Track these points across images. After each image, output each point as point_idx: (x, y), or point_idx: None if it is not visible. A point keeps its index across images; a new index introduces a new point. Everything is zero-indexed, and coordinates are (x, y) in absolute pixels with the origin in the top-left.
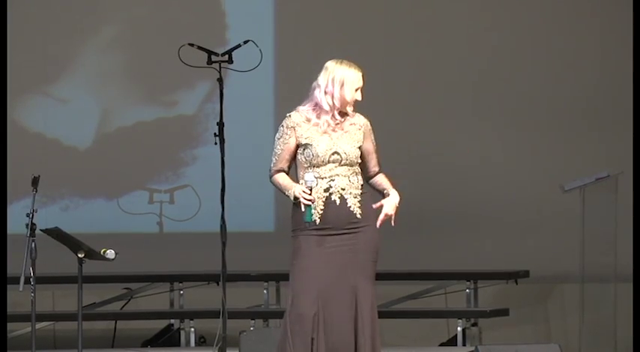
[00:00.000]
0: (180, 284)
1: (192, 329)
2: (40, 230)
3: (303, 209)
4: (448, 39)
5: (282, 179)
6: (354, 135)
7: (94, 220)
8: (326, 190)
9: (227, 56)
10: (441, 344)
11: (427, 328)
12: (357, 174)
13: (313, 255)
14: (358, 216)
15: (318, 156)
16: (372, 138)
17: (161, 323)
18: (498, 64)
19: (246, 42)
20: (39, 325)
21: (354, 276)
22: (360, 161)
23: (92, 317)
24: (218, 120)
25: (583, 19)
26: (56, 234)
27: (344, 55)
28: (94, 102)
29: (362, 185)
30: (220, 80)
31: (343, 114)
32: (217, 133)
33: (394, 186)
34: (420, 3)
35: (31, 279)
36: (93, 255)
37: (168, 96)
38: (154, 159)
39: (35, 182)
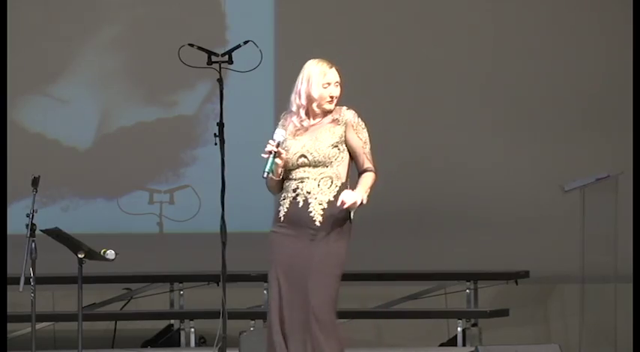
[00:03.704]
0: (181, 284)
1: (192, 330)
2: (40, 230)
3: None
4: (449, 40)
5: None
6: (330, 132)
7: (94, 220)
8: (294, 190)
9: (227, 56)
10: (441, 345)
11: (427, 328)
12: (331, 179)
13: (278, 260)
14: (317, 223)
15: (288, 160)
16: (360, 134)
17: (161, 324)
18: (499, 66)
19: (246, 42)
20: (39, 325)
21: (305, 295)
22: (337, 161)
23: (92, 317)
24: (218, 121)
25: (583, 20)
26: (56, 234)
27: (345, 56)
28: (94, 103)
29: (335, 194)
30: (220, 80)
31: (325, 112)
32: (217, 133)
33: (372, 189)
34: (422, 3)
35: (31, 279)
36: (93, 255)
37: (169, 96)
38: (154, 160)
39: (35, 182)
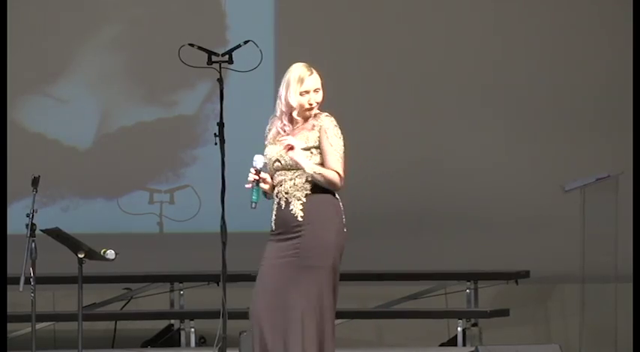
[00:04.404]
0: (181, 284)
1: (193, 330)
2: (40, 230)
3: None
4: (450, 40)
5: None
6: (305, 137)
7: (94, 220)
8: (277, 195)
9: (227, 56)
10: (441, 345)
11: (427, 328)
12: (306, 176)
13: (265, 266)
14: (299, 218)
15: (266, 166)
16: (332, 140)
17: (161, 324)
18: (499, 66)
19: (246, 42)
20: (39, 325)
21: (289, 291)
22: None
23: (92, 317)
24: (218, 121)
25: (583, 21)
26: (56, 234)
27: (345, 56)
28: (94, 103)
29: (312, 186)
30: (220, 80)
31: (306, 118)
32: (217, 133)
33: (329, 185)
34: (422, 4)
35: (31, 279)
36: (93, 255)
37: (169, 96)
38: (154, 160)
39: (35, 182)
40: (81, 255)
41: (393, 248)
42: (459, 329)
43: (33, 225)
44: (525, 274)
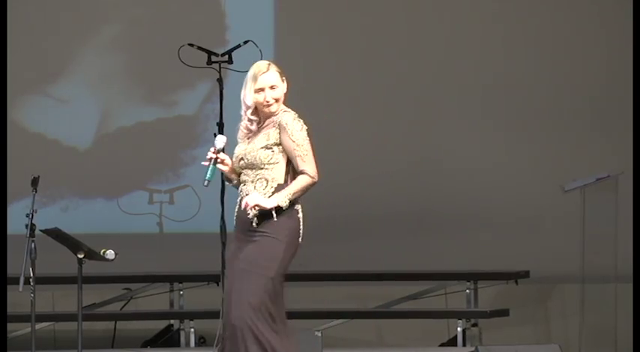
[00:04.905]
0: (180, 284)
1: (192, 330)
2: (40, 230)
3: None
4: (450, 40)
5: None
6: (265, 135)
7: (94, 220)
8: (239, 194)
9: (227, 56)
10: (441, 345)
11: (427, 328)
12: (267, 181)
13: (227, 268)
14: (254, 224)
15: (234, 165)
16: (293, 136)
17: (161, 324)
18: (499, 66)
19: (246, 42)
20: (39, 325)
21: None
22: (271, 163)
23: (92, 317)
24: (218, 121)
25: (584, 21)
26: (56, 234)
27: (346, 56)
28: (94, 103)
29: (270, 195)
30: (220, 80)
31: (268, 115)
32: (217, 133)
33: (307, 191)
34: (424, 3)
35: (31, 280)
36: (93, 255)
37: (168, 96)
38: (154, 160)
39: (35, 182)
40: (80, 255)
41: (392, 248)
42: (458, 329)
43: (33, 225)
44: (525, 274)
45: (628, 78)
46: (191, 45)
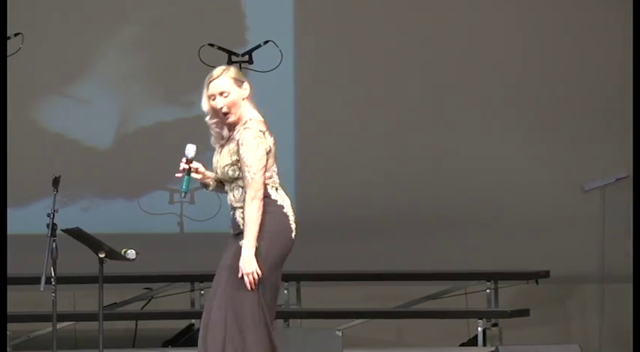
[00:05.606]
0: (201, 284)
1: None
2: (61, 230)
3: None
4: (468, 40)
5: None
6: (229, 151)
7: (115, 220)
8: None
9: (247, 56)
10: (462, 345)
11: (447, 328)
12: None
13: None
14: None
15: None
16: (245, 154)
17: (182, 323)
18: (518, 67)
19: (266, 42)
20: (60, 325)
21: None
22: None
23: (113, 317)
24: None
25: (602, 22)
26: (77, 234)
27: (364, 56)
28: (114, 103)
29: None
30: None
31: (233, 124)
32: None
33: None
34: (443, 3)
35: (52, 279)
36: (114, 255)
37: (188, 96)
38: (173, 160)
39: (56, 182)
40: (102, 255)
41: (413, 248)
42: (479, 329)
43: (54, 224)
44: (545, 274)
45: None
46: (211, 45)
